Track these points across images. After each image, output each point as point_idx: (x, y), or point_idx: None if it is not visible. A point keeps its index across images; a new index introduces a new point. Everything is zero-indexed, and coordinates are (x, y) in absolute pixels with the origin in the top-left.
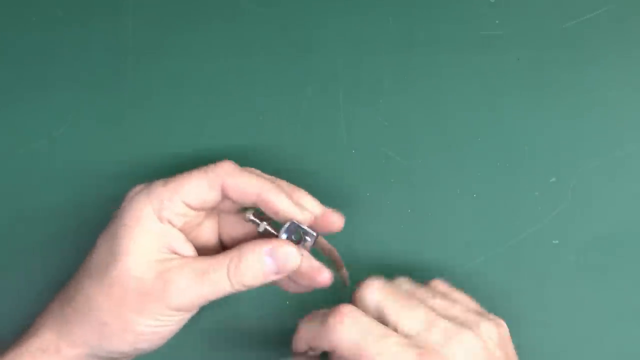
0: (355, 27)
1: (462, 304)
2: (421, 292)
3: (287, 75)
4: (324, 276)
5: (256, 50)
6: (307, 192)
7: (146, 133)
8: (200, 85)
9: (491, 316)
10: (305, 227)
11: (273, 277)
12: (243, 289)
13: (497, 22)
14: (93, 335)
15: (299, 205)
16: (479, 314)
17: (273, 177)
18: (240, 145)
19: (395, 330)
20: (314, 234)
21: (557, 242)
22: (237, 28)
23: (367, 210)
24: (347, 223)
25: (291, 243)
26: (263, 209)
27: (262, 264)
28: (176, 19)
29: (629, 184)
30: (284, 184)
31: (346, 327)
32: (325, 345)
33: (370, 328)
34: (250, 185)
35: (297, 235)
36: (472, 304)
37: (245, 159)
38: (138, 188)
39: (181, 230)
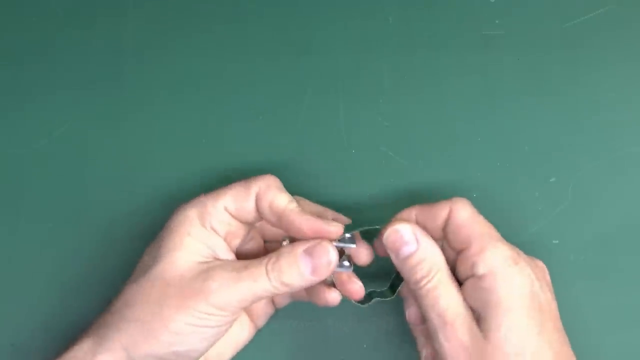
0: (355, 27)
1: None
2: None
3: (288, 75)
4: (332, 295)
5: (256, 50)
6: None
7: (146, 133)
8: (200, 85)
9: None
10: (339, 243)
11: (311, 277)
12: (282, 287)
13: (497, 22)
14: (129, 337)
15: (324, 220)
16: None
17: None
18: (240, 145)
19: None
20: (353, 244)
21: (557, 242)
22: (238, 28)
23: (367, 210)
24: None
25: (326, 240)
26: (289, 232)
27: (299, 260)
28: (176, 19)
29: (629, 184)
30: (306, 204)
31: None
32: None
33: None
34: (279, 201)
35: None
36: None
37: (245, 159)
38: (183, 204)
39: (224, 239)
